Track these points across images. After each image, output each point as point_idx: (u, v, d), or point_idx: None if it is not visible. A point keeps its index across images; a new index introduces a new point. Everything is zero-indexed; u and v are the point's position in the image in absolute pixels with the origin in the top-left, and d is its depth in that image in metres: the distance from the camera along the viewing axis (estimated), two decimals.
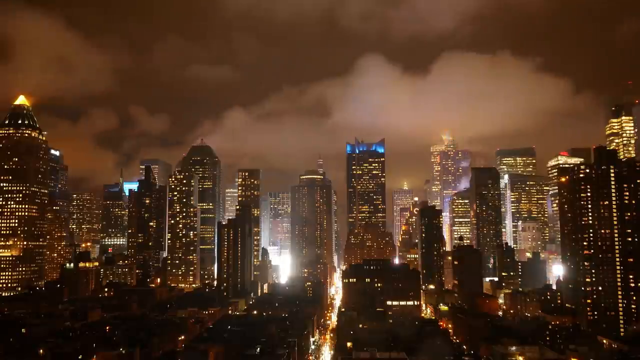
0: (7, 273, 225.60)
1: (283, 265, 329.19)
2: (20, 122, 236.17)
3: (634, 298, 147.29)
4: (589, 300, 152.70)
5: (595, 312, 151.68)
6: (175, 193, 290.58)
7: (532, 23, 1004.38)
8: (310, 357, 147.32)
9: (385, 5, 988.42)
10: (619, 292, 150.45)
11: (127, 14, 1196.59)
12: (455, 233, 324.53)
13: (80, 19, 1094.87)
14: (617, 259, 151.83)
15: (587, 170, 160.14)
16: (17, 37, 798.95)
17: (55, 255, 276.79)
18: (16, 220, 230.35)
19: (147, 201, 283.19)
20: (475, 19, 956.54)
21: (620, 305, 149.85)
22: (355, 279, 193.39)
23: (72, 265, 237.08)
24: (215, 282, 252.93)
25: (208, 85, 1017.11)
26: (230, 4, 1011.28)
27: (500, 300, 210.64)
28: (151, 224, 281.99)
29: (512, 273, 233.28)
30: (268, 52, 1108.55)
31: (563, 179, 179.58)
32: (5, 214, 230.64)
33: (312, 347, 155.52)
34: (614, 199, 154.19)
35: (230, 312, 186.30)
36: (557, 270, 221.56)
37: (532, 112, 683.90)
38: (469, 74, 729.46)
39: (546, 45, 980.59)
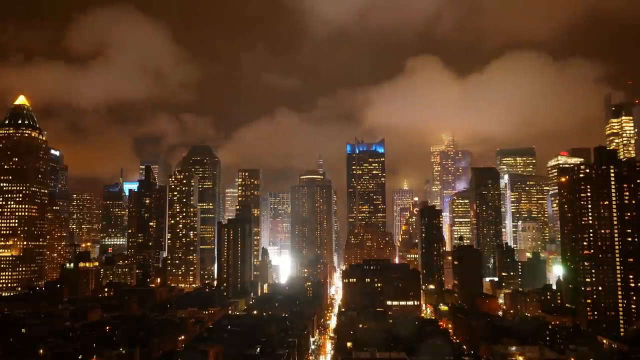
0: (7, 273, 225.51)
1: (283, 265, 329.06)
2: (20, 122, 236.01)
3: (634, 298, 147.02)
4: (589, 300, 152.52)
5: (595, 312, 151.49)
6: (175, 193, 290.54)
7: (622, 33, 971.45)
8: (310, 357, 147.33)
9: (478, 16, 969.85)
10: (619, 292, 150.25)
11: (224, 25, 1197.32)
12: (455, 233, 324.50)
13: (183, 31, 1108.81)
14: (617, 259, 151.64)
15: (587, 170, 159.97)
16: (121, 41, 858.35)
17: (55, 255, 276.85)
18: (16, 220, 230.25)
19: (147, 201, 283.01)
20: (568, 27, 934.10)
21: (620, 305, 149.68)
22: (355, 279, 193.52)
23: (72, 265, 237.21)
24: (215, 282, 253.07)
25: (278, 93, 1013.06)
26: (324, 20, 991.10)
27: (500, 300, 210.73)
28: (151, 224, 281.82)
29: (512, 273, 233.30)
30: (347, 61, 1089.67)
31: (563, 179, 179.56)
32: (5, 214, 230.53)
33: (312, 347, 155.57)
34: (614, 199, 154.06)
35: (230, 312, 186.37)
36: (557, 270, 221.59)
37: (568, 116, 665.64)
38: (527, 77, 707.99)
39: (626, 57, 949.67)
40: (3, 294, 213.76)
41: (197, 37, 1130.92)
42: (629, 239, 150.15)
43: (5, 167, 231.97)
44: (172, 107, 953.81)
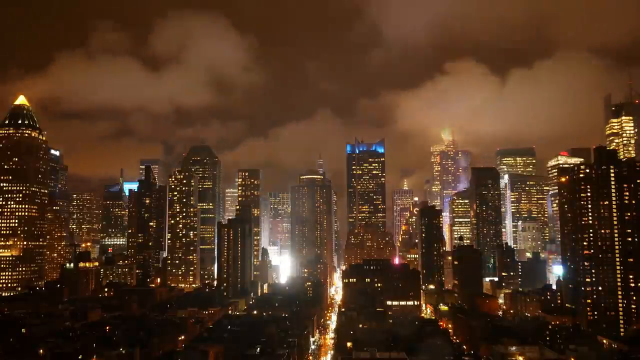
0: (7, 273, 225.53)
1: (283, 265, 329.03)
2: (20, 122, 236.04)
3: (634, 298, 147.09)
4: (589, 300, 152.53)
5: (595, 312, 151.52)
6: (175, 193, 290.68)
7: None
8: (310, 357, 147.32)
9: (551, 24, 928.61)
10: (619, 292, 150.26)
11: (298, 31, 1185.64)
12: (455, 233, 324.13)
13: (261, 38, 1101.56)
14: (617, 259, 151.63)
15: (587, 170, 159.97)
16: (198, 46, 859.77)
17: (55, 255, 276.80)
18: (16, 220, 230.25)
19: (147, 201, 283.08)
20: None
21: (620, 305, 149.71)
22: (355, 279, 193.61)
23: (72, 265, 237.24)
24: (215, 282, 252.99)
25: (325, 97, 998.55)
26: (397, 32, 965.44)
27: (500, 300, 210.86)
28: (151, 224, 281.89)
29: (512, 273, 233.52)
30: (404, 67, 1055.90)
31: (563, 179, 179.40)
32: (5, 214, 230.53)
33: (312, 347, 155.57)
34: (614, 199, 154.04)
35: (230, 312, 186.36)
36: (557, 270, 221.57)
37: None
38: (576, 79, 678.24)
39: None
40: (3, 294, 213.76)
41: (271, 44, 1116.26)
42: (629, 239, 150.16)
43: (5, 167, 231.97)
44: (220, 114, 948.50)
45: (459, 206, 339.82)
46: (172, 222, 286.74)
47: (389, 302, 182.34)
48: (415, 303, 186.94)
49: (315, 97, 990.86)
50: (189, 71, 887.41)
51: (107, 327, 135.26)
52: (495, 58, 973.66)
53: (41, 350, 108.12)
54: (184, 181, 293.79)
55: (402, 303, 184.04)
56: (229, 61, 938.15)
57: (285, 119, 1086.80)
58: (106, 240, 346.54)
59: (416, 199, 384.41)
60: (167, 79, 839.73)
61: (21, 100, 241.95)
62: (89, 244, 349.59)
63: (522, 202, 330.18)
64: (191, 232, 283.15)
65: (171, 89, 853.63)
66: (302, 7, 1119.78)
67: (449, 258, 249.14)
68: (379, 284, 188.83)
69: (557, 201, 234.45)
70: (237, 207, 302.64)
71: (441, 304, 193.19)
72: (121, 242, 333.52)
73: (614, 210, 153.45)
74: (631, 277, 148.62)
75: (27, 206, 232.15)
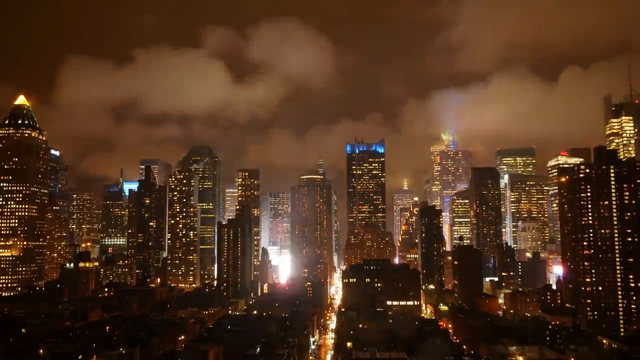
0: (7, 273, 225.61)
1: (283, 265, 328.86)
2: (20, 122, 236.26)
3: (634, 298, 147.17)
4: (589, 300, 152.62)
5: (595, 312, 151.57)
6: (175, 193, 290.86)
7: None
8: (310, 357, 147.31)
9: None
10: (619, 292, 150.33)
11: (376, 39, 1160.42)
12: (455, 233, 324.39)
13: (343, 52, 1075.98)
14: (617, 259, 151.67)
15: (587, 170, 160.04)
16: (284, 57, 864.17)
17: (55, 255, 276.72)
18: (16, 220, 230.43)
19: (147, 201, 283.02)
20: None
21: (620, 305, 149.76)
22: (355, 279, 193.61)
23: (72, 265, 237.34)
24: (215, 282, 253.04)
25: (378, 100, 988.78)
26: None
27: (500, 300, 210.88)
28: (151, 224, 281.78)
29: (512, 273, 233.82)
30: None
31: (563, 179, 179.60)
32: (5, 214, 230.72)
33: (312, 347, 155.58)
34: (614, 199, 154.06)
35: (230, 312, 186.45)
36: (557, 270, 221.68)
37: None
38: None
39: None
40: (3, 294, 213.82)
41: (354, 53, 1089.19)
42: (629, 239, 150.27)
43: (5, 167, 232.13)
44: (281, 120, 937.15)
45: (459, 206, 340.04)
46: (172, 222, 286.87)
47: (389, 302, 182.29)
48: (415, 303, 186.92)
49: (372, 101, 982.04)
50: (267, 80, 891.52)
51: (107, 327, 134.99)
52: (550, 64, 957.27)
53: (41, 350, 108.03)
54: (184, 181, 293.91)
55: (402, 303, 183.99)
56: (309, 73, 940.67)
57: (340, 120, 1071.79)
58: (106, 240, 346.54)
59: (416, 199, 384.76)
60: (247, 86, 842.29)
61: (21, 100, 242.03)
62: (89, 244, 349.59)
63: (522, 202, 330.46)
64: (191, 232, 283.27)
65: (247, 96, 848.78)
66: (386, 14, 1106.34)
67: (449, 258, 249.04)
68: (379, 284, 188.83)
69: (557, 201, 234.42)
70: (237, 207, 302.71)
71: (441, 304, 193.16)
72: (121, 242, 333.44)
73: (614, 210, 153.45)
74: (631, 277, 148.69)
75: (27, 206, 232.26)
